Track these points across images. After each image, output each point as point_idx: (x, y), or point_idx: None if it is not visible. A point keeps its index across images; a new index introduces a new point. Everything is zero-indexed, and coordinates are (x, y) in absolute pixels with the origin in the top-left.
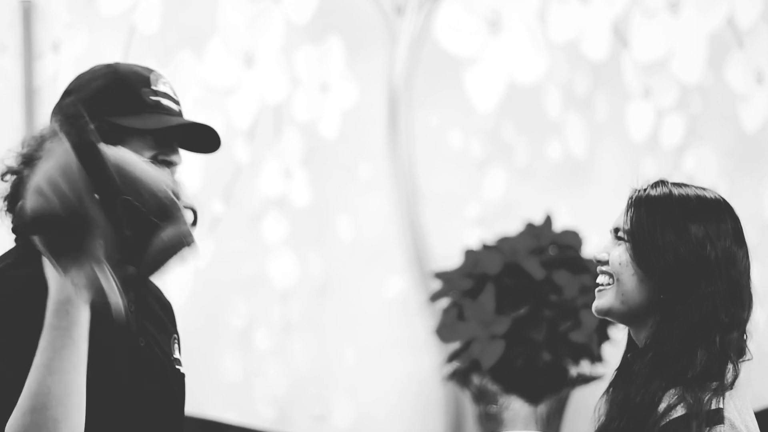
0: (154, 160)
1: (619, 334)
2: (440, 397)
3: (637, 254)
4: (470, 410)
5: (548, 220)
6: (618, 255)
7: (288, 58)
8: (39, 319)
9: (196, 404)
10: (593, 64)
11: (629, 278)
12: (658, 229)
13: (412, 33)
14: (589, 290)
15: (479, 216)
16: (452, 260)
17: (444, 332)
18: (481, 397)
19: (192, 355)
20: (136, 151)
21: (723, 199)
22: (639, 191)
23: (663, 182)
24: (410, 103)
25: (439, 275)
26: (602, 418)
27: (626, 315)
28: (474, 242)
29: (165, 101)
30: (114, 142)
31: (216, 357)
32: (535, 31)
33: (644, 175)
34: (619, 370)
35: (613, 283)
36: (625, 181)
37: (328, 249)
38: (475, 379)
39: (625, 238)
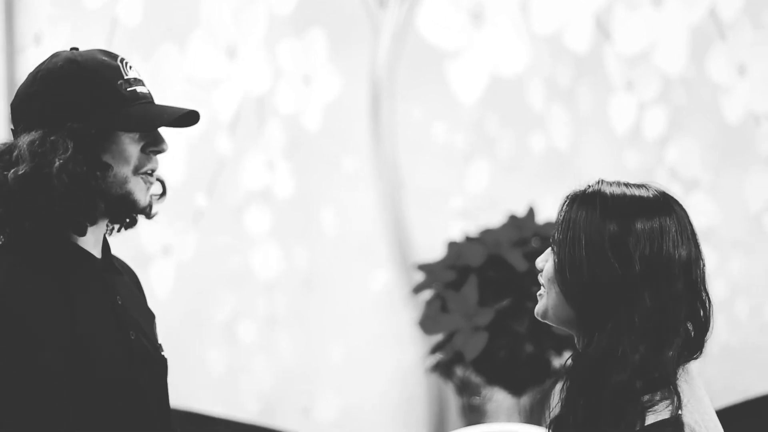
0: (142, 151)
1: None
2: (423, 389)
3: (558, 273)
4: (453, 402)
5: (531, 212)
6: (548, 269)
7: (271, 51)
8: (19, 312)
9: (182, 398)
10: (576, 56)
11: (555, 294)
12: (578, 246)
13: (395, 25)
14: None
15: (463, 208)
16: (436, 252)
17: (427, 324)
18: (464, 389)
19: (177, 348)
20: (123, 145)
21: (665, 195)
22: (570, 194)
23: (600, 181)
24: (393, 96)
25: (422, 267)
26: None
27: (559, 324)
28: (457, 234)
29: (139, 89)
30: (101, 142)
31: (201, 351)
32: (518, 24)
33: (626, 167)
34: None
35: (546, 293)
36: (608, 174)
37: (313, 242)
38: (459, 371)
39: (553, 249)
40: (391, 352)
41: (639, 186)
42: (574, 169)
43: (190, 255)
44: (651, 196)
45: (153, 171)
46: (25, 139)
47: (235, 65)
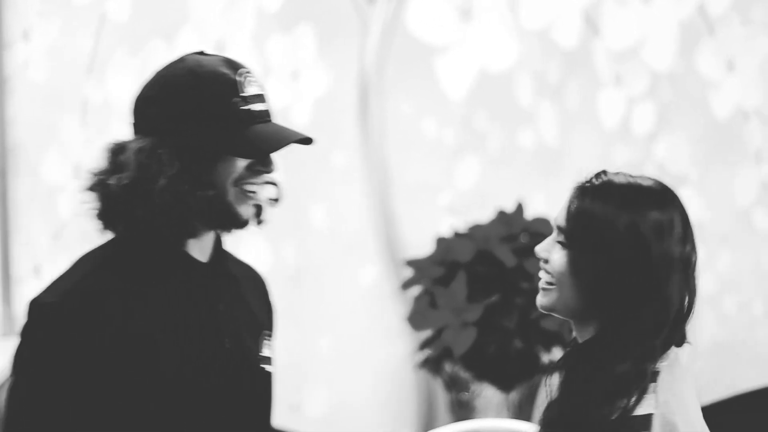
0: (248, 169)
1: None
2: (412, 384)
3: (573, 266)
4: (442, 398)
5: (520, 208)
6: (557, 261)
7: (259, 47)
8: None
9: None
10: (564, 51)
11: (569, 287)
12: (594, 239)
13: (383, 21)
14: None
15: (452, 204)
16: (424, 248)
17: (416, 320)
18: (453, 385)
19: None
20: (230, 165)
21: (667, 187)
22: (578, 185)
23: (605, 172)
24: (382, 92)
25: (411, 263)
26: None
27: (569, 316)
28: (446, 230)
29: (255, 106)
30: (207, 160)
31: None
32: (506, 19)
33: (615, 162)
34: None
35: (555, 285)
36: (597, 169)
37: (301, 237)
38: (447, 367)
39: (564, 242)
40: (379, 347)
41: (642, 177)
42: (563, 165)
43: None
44: (658, 188)
45: (253, 189)
46: (134, 146)
47: None
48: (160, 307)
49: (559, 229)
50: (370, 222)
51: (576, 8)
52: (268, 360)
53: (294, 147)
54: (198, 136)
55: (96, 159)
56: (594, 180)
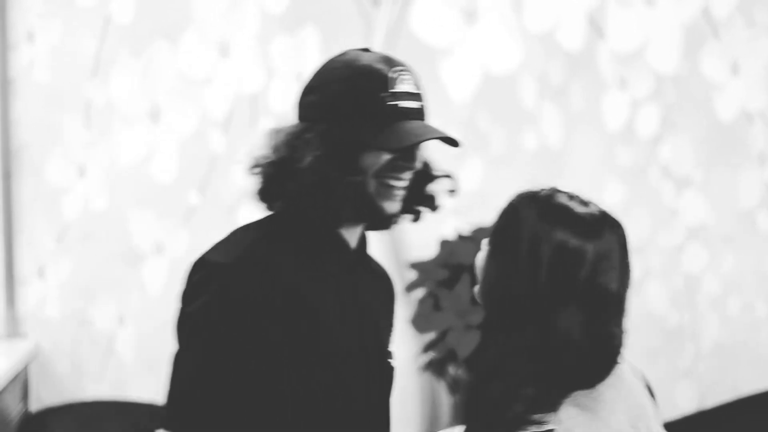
0: (393, 164)
1: None
2: (416, 387)
3: (484, 265)
4: (446, 400)
5: None
6: (479, 257)
7: (263, 49)
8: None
9: None
10: (569, 54)
11: (479, 288)
12: (502, 245)
13: (387, 23)
14: None
15: (455, 206)
16: (428, 250)
17: (420, 322)
18: (457, 387)
19: (169, 346)
20: (373, 156)
21: (604, 218)
22: (522, 191)
23: (552, 189)
24: None
25: (415, 266)
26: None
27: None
28: (450, 232)
29: (404, 103)
30: (352, 152)
31: None
32: (510, 21)
33: (619, 165)
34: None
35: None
36: (601, 171)
37: None
38: (451, 369)
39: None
40: None
41: (584, 202)
42: (566, 167)
43: (183, 252)
44: (585, 214)
45: (395, 183)
46: (286, 129)
47: (227, 63)
48: (321, 284)
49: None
50: None
51: (580, 10)
52: (391, 354)
53: None
54: (344, 125)
55: (98, 160)
56: (539, 191)
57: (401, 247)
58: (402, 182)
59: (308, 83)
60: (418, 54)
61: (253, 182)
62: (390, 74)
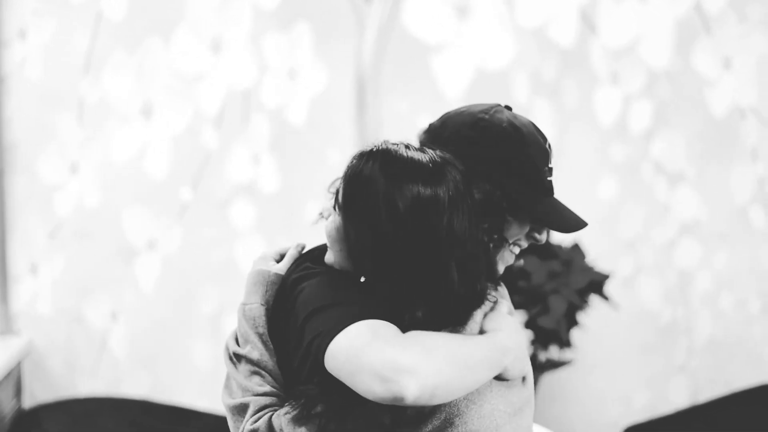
0: (528, 236)
1: (587, 320)
2: None
3: (343, 233)
4: None
5: None
6: (330, 225)
7: (256, 45)
8: None
9: (167, 392)
10: (561, 49)
11: (338, 252)
12: (359, 204)
13: (380, 19)
14: (557, 276)
15: None
16: None
17: None
18: None
19: (162, 342)
20: (518, 226)
21: (443, 161)
22: (357, 152)
23: (386, 142)
24: (379, 90)
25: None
26: None
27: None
28: None
29: (551, 179)
30: (502, 213)
31: (186, 344)
32: (503, 17)
33: (612, 160)
34: None
35: (332, 248)
36: (594, 167)
37: (297, 235)
38: None
39: (336, 206)
40: None
41: (419, 150)
42: (560, 163)
43: (176, 249)
44: (428, 161)
45: (517, 252)
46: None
47: (220, 59)
48: None
49: (335, 193)
50: None
51: (572, 6)
52: None
53: (289, 144)
54: (510, 191)
55: (91, 157)
56: (373, 148)
57: None
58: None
59: (463, 133)
60: (410, 50)
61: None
62: (549, 148)
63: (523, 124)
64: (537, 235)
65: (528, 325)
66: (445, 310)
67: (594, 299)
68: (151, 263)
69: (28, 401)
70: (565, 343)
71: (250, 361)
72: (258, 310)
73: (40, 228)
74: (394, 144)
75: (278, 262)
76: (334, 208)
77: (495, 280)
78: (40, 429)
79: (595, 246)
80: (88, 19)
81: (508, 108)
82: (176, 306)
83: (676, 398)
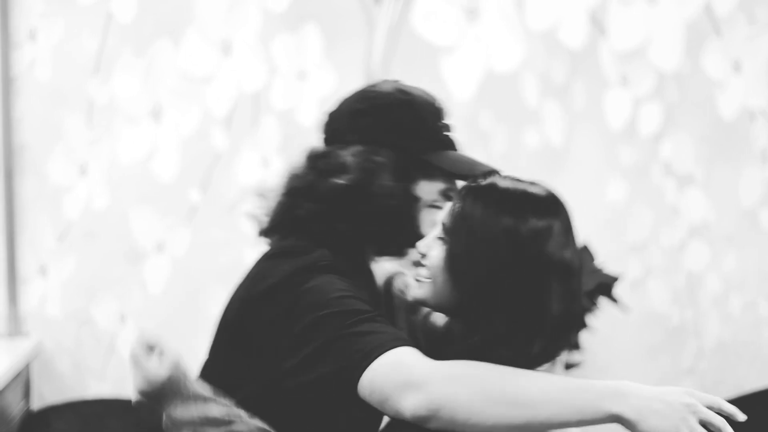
0: (443, 194)
1: (596, 322)
2: None
3: (450, 263)
4: None
5: None
6: (435, 257)
7: (265, 47)
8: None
9: None
10: (571, 52)
11: (442, 283)
12: (472, 238)
13: (389, 21)
14: None
15: None
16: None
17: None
18: None
19: (170, 343)
20: (432, 183)
21: (554, 195)
22: (464, 186)
23: (493, 174)
24: None
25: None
26: None
27: (438, 309)
28: None
29: (451, 134)
30: (410, 177)
31: (195, 346)
32: (512, 19)
33: (621, 163)
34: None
35: (431, 280)
36: (603, 169)
37: None
38: None
39: (444, 238)
40: None
41: (531, 183)
42: (568, 165)
43: (184, 251)
44: (542, 194)
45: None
46: (349, 150)
47: (229, 61)
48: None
49: (443, 226)
50: None
51: (582, 8)
52: None
53: (298, 146)
54: (410, 149)
55: (99, 159)
56: (480, 182)
57: None
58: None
59: (351, 107)
60: (419, 52)
61: (281, 207)
62: (439, 106)
63: (409, 87)
64: (450, 192)
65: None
66: (541, 340)
67: (603, 301)
68: (160, 265)
69: (37, 403)
70: (573, 346)
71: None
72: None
73: (49, 229)
74: (501, 177)
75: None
76: (442, 239)
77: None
78: (48, 430)
79: (604, 248)
80: (97, 21)
81: (395, 81)
82: (184, 308)
83: None
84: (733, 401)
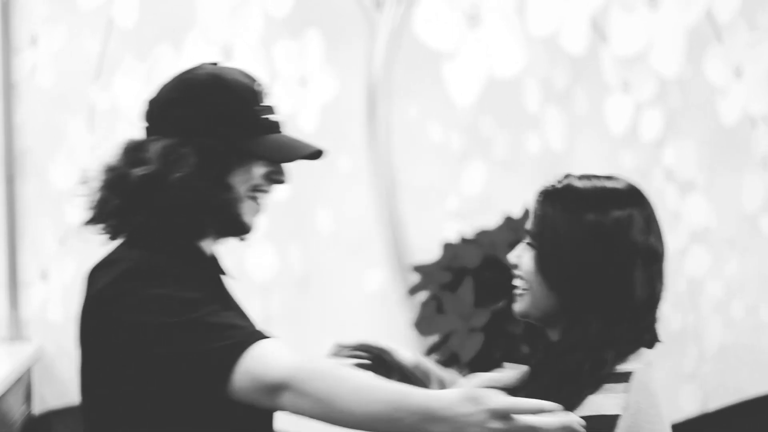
0: (266, 178)
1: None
2: None
3: (541, 264)
4: None
5: (527, 214)
6: (526, 263)
7: (267, 52)
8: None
9: None
10: (572, 57)
11: (538, 287)
12: (558, 239)
13: (391, 26)
14: None
15: (458, 209)
16: (431, 253)
17: (423, 325)
18: None
19: None
20: (250, 170)
21: (634, 186)
22: (542, 189)
23: (567, 176)
24: (389, 97)
25: (418, 269)
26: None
27: (542, 319)
28: (453, 235)
29: (272, 117)
30: (230, 162)
31: None
32: (514, 25)
33: (622, 169)
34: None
35: (527, 288)
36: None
37: (308, 242)
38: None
39: (532, 243)
40: None
41: (607, 178)
42: (569, 171)
43: None
44: (620, 186)
45: (263, 198)
46: (158, 144)
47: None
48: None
49: (527, 232)
50: (377, 226)
51: (583, 14)
52: None
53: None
54: (222, 138)
55: (104, 160)
56: (557, 184)
57: (404, 250)
58: (268, 196)
59: (168, 96)
60: (421, 57)
61: (100, 201)
62: (257, 88)
63: (224, 71)
64: (276, 176)
65: (538, 333)
66: (628, 325)
67: None
68: None
69: (38, 407)
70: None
71: None
72: None
73: (50, 234)
74: (576, 177)
75: None
76: (530, 245)
77: (247, 232)
78: None
79: None
80: (98, 26)
81: (214, 64)
82: None
83: (686, 406)
84: (736, 406)
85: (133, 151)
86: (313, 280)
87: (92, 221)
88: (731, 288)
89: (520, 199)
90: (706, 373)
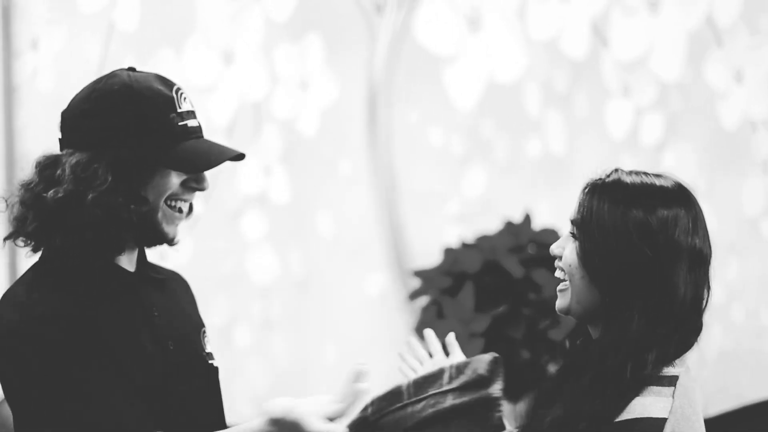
0: (184, 186)
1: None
2: None
3: (584, 260)
4: None
5: (527, 218)
6: (569, 255)
7: (268, 56)
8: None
9: None
10: (573, 61)
11: (579, 280)
12: (604, 233)
13: (391, 30)
14: None
15: (459, 213)
16: (432, 258)
17: (423, 330)
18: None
19: None
20: (165, 180)
21: (682, 186)
22: (590, 183)
23: (616, 170)
24: (390, 101)
25: (418, 274)
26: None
27: (584, 315)
28: (453, 240)
29: (191, 123)
30: (143, 174)
31: None
32: (514, 29)
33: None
34: (568, 362)
35: (568, 282)
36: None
37: (308, 246)
38: None
39: (575, 234)
40: (386, 357)
41: (657, 176)
42: (570, 175)
43: (186, 260)
44: (668, 185)
45: (183, 207)
46: (70, 160)
47: (231, 70)
48: (108, 323)
49: (572, 222)
50: (377, 230)
51: (584, 18)
52: (211, 355)
53: (300, 155)
54: (136, 150)
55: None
56: (605, 178)
57: (404, 255)
58: (189, 203)
59: (80, 107)
60: (422, 61)
61: (18, 217)
62: (173, 94)
63: (138, 79)
64: (194, 184)
65: (538, 338)
66: (674, 326)
67: None
68: None
69: None
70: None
71: None
72: None
73: None
74: (625, 172)
75: None
76: (573, 236)
77: (169, 242)
78: None
79: None
80: (99, 30)
81: (132, 69)
82: None
83: None
84: (737, 411)
85: (47, 169)
86: (313, 283)
87: (12, 236)
88: (732, 292)
89: (520, 202)
90: (706, 377)
